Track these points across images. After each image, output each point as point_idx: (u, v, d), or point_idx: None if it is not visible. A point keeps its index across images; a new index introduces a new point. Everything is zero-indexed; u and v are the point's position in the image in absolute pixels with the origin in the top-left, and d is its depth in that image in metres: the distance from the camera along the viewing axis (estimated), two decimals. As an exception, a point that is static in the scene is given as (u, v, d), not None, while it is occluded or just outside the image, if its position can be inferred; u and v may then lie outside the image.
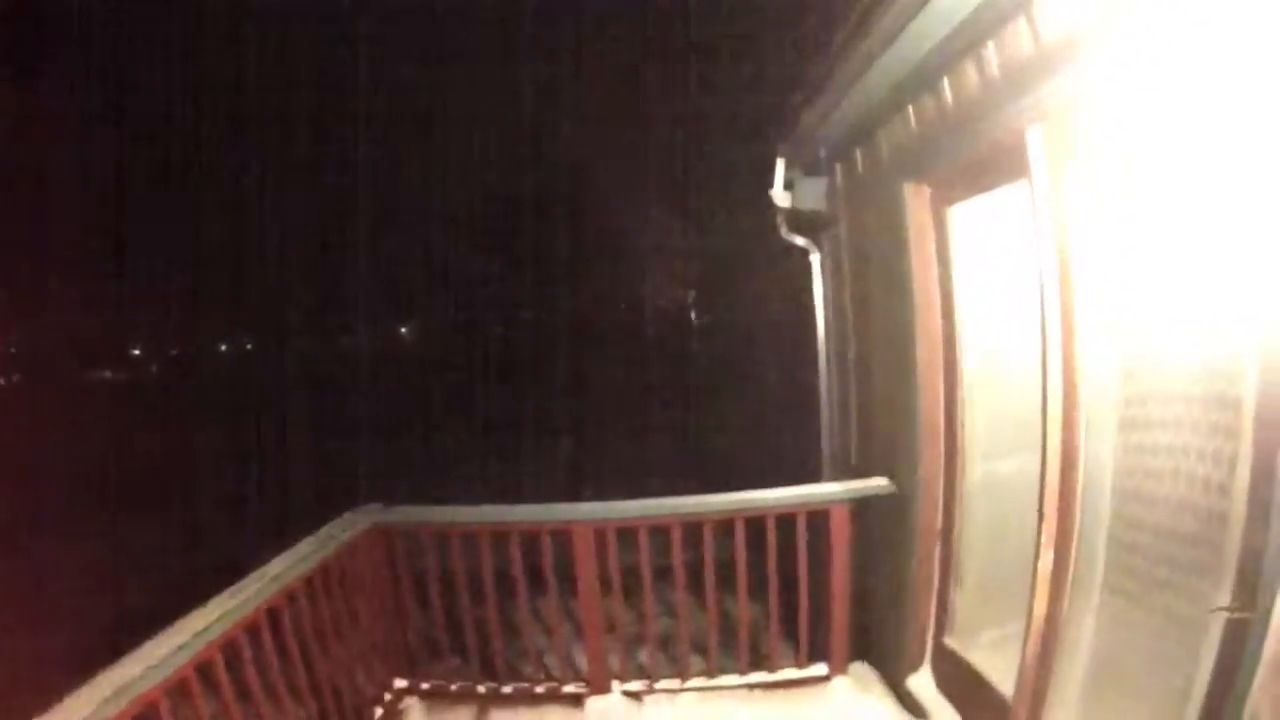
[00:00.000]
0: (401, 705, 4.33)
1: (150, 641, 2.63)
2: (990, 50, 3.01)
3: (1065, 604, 2.86)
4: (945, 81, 3.38)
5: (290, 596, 3.42)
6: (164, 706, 2.55)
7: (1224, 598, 2.09)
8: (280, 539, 3.65)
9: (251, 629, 3.12)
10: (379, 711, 4.16)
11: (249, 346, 39.84)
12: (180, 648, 2.64)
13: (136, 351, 41.25)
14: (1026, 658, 3.02)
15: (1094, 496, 2.74)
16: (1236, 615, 2.03)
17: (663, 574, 4.34)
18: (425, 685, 4.44)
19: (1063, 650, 2.92)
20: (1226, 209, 2.11)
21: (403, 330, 36.83)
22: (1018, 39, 2.82)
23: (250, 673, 3.10)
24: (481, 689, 4.41)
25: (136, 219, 32.50)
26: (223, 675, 2.91)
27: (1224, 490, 2.17)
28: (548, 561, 4.24)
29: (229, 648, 2.95)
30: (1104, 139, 2.60)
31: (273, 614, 3.28)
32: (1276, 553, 1.90)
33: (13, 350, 34.31)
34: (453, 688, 4.44)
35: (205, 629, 2.78)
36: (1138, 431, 2.60)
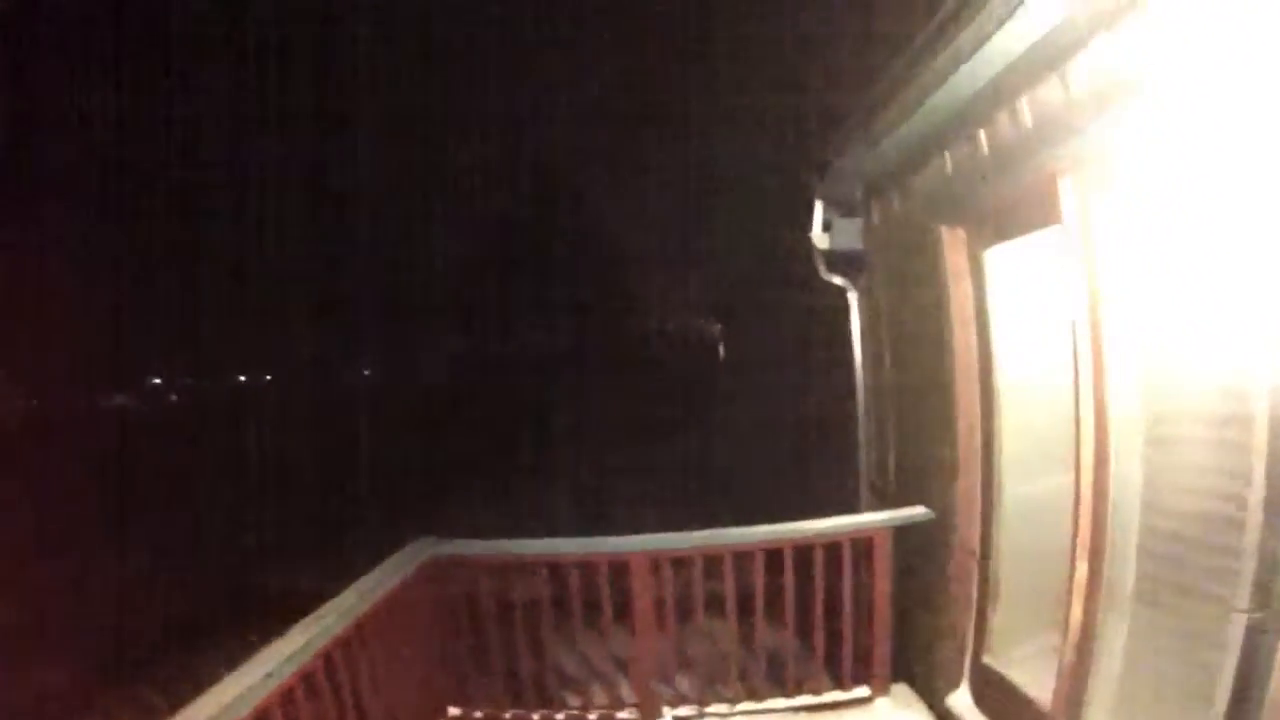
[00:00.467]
0: None
1: (248, 663, 2.79)
2: (1024, 103, 3.28)
3: (1099, 614, 3.08)
4: (981, 131, 3.66)
5: (360, 628, 3.52)
6: None
7: (1243, 601, 2.31)
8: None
9: (327, 659, 3.23)
10: None
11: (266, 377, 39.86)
12: (268, 675, 2.77)
13: (157, 380, 41.18)
14: (1063, 666, 3.22)
15: (1124, 511, 2.97)
16: (1255, 615, 2.25)
17: (712, 602, 4.53)
18: (478, 714, 4.58)
19: (1098, 658, 3.12)
20: (1235, 254, 2.36)
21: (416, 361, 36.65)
22: (1050, 93, 3.09)
23: (323, 703, 3.21)
24: (536, 716, 4.56)
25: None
26: (301, 702, 3.03)
27: (1241, 502, 2.39)
28: (604, 592, 4.43)
29: (307, 678, 3.07)
30: (1129, 187, 2.86)
31: (344, 646, 3.39)
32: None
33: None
34: (506, 716, 4.58)
35: (291, 656, 2.92)
36: (1163, 449, 2.83)
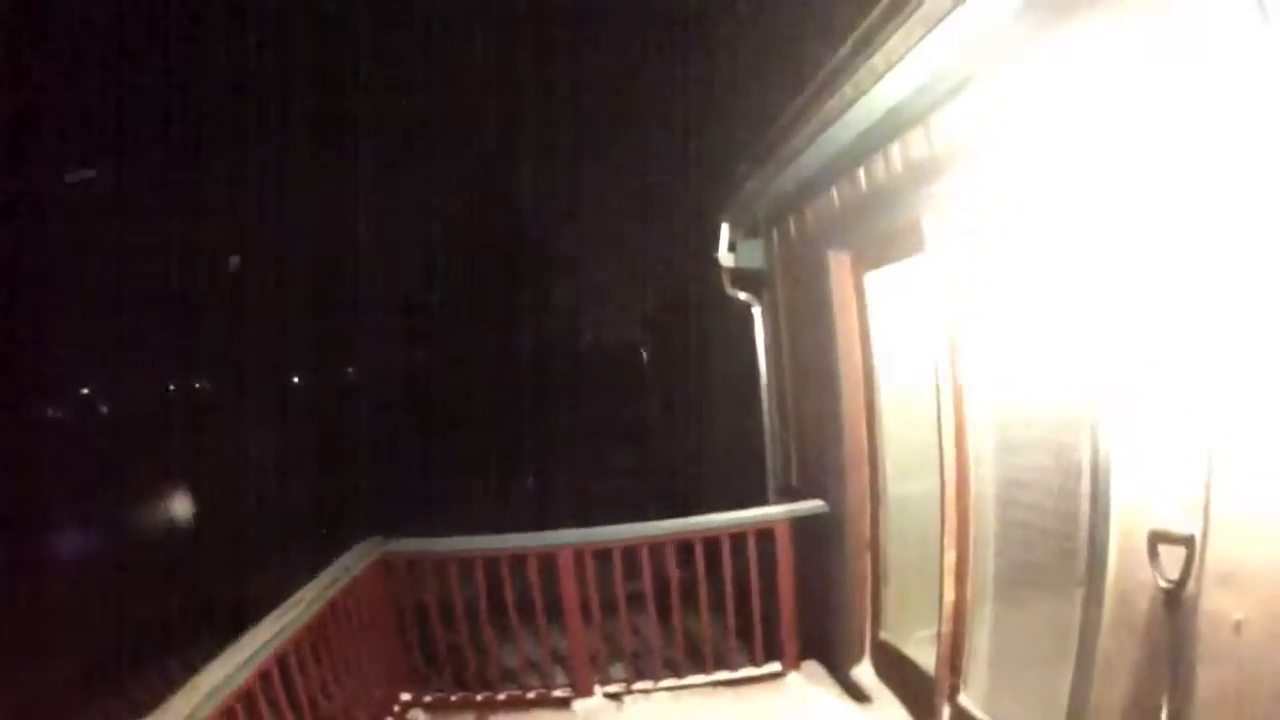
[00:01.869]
0: (408, 716, 4.83)
1: (215, 661, 3.05)
2: (896, 150, 3.77)
3: (969, 590, 3.58)
4: (861, 170, 4.14)
5: (316, 625, 3.85)
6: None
7: (1080, 576, 2.80)
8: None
9: (286, 654, 3.53)
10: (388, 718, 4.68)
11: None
12: (244, 663, 3.08)
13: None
14: (942, 638, 3.72)
15: (983, 505, 3.47)
16: (1088, 588, 2.74)
17: (634, 592, 4.94)
18: (428, 698, 4.95)
19: (970, 629, 3.63)
20: (1058, 286, 2.85)
21: (349, 370, 36.03)
22: (917, 144, 3.58)
23: (288, 693, 3.51)
24: (479, 697, 4.94)
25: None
26: (260, 698, 3.26)
27: (1073, 494, 2.88)
28: (535, 581, 4.82)
29: (265, 677, 3.31)
30: (977, 227, 3.35)
31: (301, 643, 3.67)
32: (1105, 539, 2.61)
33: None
34: (453, 698, 4.96)
35: (262, 647, 3.25)
36: (1012, 452, 3.33)
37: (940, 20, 2.77)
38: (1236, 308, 2.06)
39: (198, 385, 34.95)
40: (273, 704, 3.36)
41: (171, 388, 35.25)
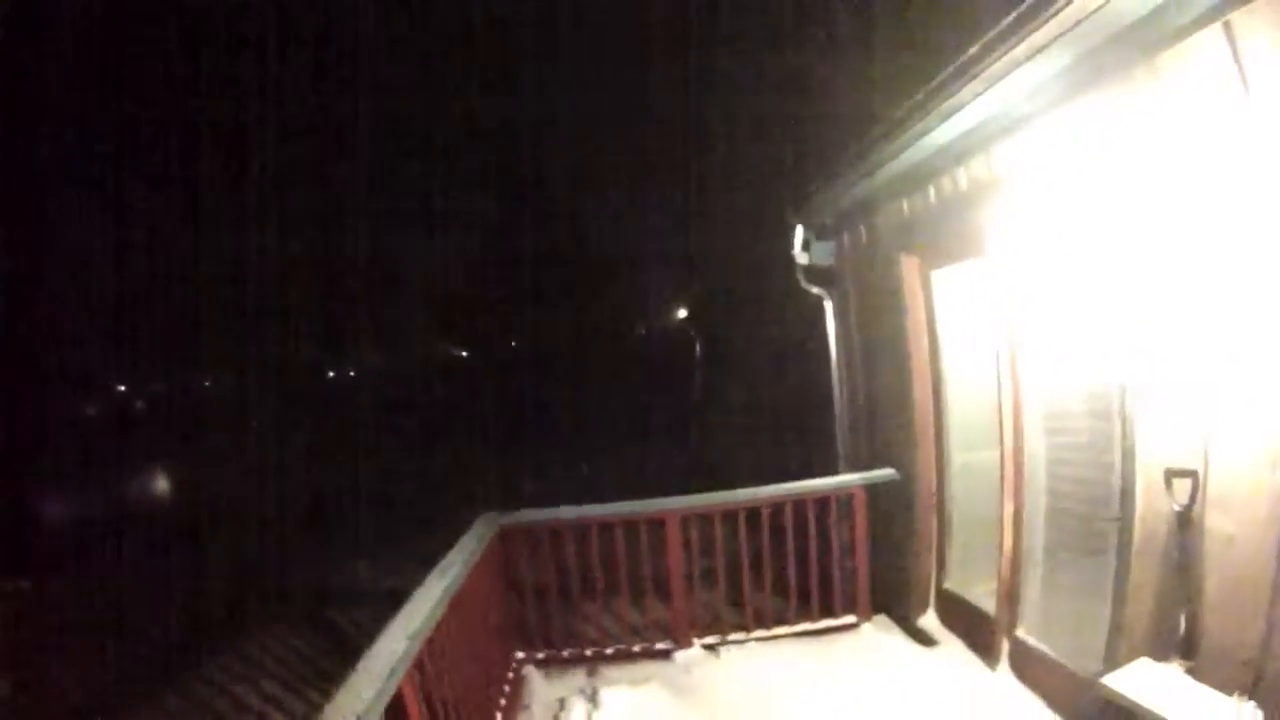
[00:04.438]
0: (523, 672, 5.25)
1: (383, 636, 3.03)
2: (961, 172, 4.49)
3: (1023, 537, 4.32)
4: (931, 187, 4.86)
5: (459, 596, 3.87)
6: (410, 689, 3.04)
7: (1113, 512, 3.54)
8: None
9: (438, 628, 3.48)
10: (509, 675, 5.13)
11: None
12: (412, 636, 3.05)
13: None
14: (1001, 580, 4.44)
15: (1034, 462, 4.23)
16: (1118, 519, 3.48)
17: (731, 554, 5.61)
18: (540, 655, 5.43)
19: (1024, 571, 4.37)
20: (1094, 284, 3.58)
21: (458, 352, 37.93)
22: (979, 167, 4.31)
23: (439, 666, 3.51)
24: (589, 652, 5.46)
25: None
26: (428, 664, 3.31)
27: (1105, 448, 3.62)
28: (644, 543, 5.38)
29: (430, 644, 3.32)
30: (1030, 236, 4.08)
31: (450, 614, 3.67)
32: (1133, 478, 3.35)
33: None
34: (564, 654, 5.46)
35: (422, 625, 3.21)
36: (1056, 419, 4.09)
37: (999, 80, 3.52)
38: (1227, 305, 2.82)
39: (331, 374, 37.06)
40: (434, 669, 3.43)
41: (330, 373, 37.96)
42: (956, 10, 4.42)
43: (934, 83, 3.99)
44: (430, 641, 3.29)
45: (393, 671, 2.76)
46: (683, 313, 23.01)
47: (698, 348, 20.85)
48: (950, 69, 3.82)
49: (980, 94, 3.66)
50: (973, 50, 3.63)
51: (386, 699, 2.67)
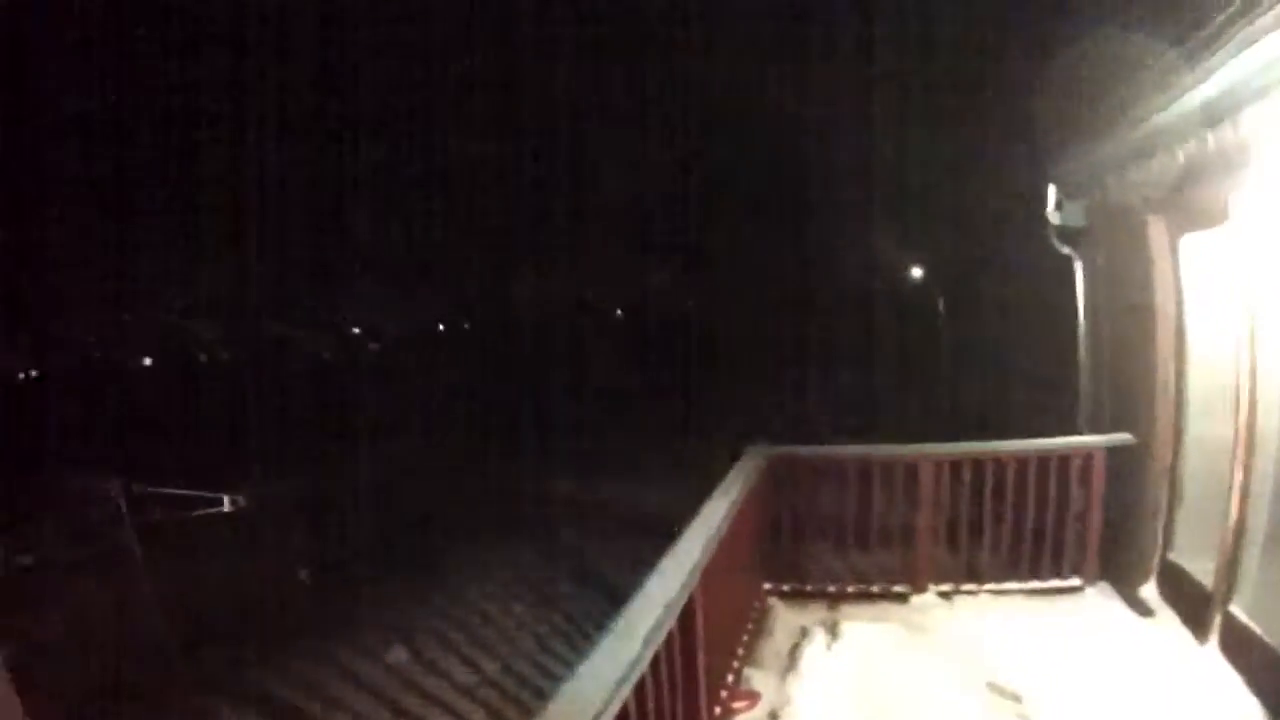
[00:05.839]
0: (769, 602, 5.57)
1: (668, 557, 3.31)
2: (1210, 135, 4.39)
3: (1249, 509, 4.28)
4: (1179, 149, 4.75)
5: (737, 513, 4.26)
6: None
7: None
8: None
9: (716, 556, 3.72)
10: (756, 604, 5.44)
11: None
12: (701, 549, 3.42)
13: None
14: (1221, 551, 4.41)
15: (1267, 434, 4.16)
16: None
17: (968, 506, 5.75)
18: (785, 587, 5.73)
19: (1245, 545, 4.32)
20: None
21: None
22: (1225, 134, 4.19)
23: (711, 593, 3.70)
24: (831, 588, 5.73)
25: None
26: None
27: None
28: (898, 487, 5.64)
29: (706, 574, 3.50)
30: (1275, 206, 3.98)
31: (724, 542, 3.89)
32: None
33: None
34: (808, 588, 5.75)
35: (712, 534, 3.61)
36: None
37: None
38: None
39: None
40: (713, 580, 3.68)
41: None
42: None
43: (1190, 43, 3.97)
44: (714, 553, 3.60)
45: (694, 569, 3.21)
46: (918, 271, 23.15)
47: (940, 305, 20.51)
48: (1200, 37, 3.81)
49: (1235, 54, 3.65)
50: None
51: (688, 593, 3.09)
